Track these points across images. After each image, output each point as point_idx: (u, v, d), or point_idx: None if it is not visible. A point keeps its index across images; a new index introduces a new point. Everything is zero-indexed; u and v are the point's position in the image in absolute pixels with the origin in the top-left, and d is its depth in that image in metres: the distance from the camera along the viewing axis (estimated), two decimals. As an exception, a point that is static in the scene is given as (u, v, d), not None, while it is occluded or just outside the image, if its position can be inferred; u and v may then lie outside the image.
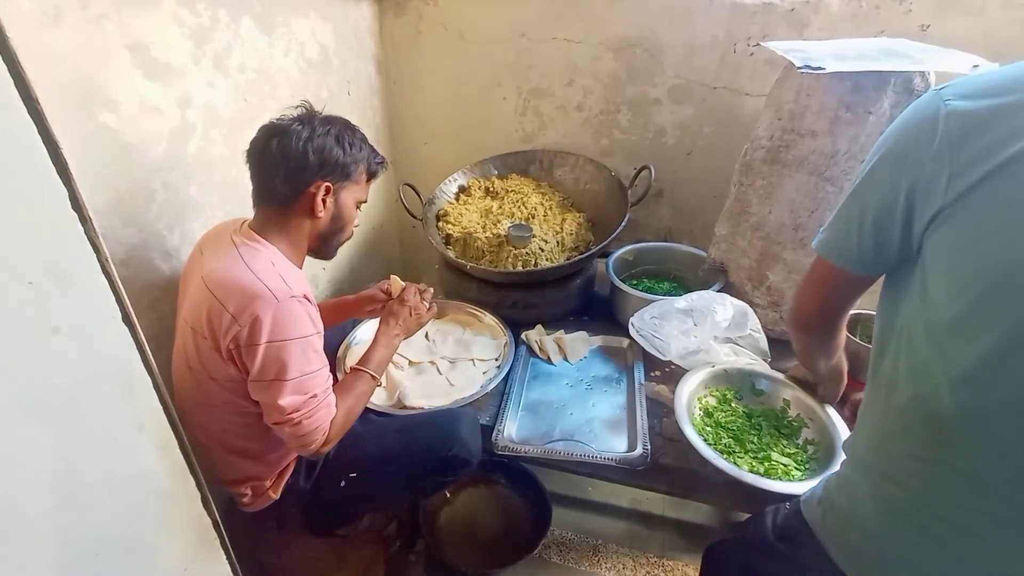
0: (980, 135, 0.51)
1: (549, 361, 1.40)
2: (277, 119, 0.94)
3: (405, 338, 1.15)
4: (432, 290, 1.24)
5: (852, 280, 0.68)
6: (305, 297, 0.89)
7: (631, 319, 1.30)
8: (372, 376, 1.04)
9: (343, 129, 0.96)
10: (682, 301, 1.28)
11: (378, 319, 1.41)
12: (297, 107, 0.96)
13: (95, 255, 0.56)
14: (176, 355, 0.96)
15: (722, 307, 1.24)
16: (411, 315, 1.16)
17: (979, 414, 0.51)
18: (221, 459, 0.99)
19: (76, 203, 0.53)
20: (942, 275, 0.54)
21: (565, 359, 1.40)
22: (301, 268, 0.98)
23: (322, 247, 1.02)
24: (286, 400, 0.85)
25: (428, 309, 1.20)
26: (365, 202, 1.04)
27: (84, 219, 0.54)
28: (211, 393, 0.91)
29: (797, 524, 0.71)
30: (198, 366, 0.89)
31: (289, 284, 0.86)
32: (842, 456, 0.73)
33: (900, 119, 0.60)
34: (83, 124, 0.86)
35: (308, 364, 0.87)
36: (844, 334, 0.88)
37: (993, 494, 0.52)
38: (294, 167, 0.90)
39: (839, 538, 0.65)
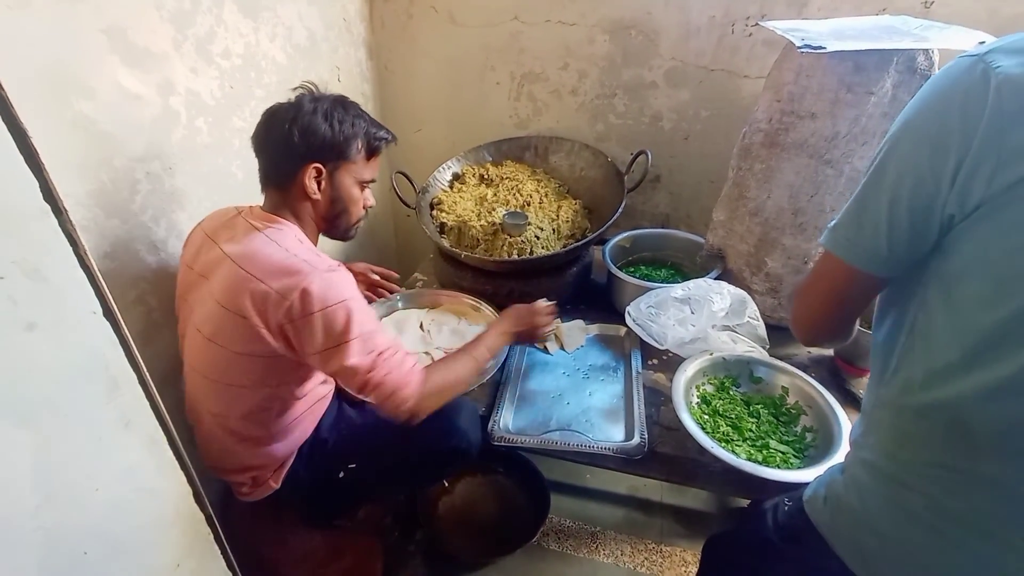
0: None
1: (545, 351, 1.39)
2: (275, 105, 0.92)
3: (511, 343, 1.15)
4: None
5: (875, 283, 0.59)
6: (340, 264, 0.89)
7: (627, 308, 1.28)
8: (474, 359, 1.03)
9: (333, 106, 0.92)
10: (679, 290, 1.26)
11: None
12: (297, 88, 0.94)
13: (72, 248, 0.54)
14: (191, 339, 0.94)
15: (719, 296, 1.22)
16: (531, 323, 1.16)
17: (1015, 426, 0.48)
18: (227, 449, 0.98)
19: (49, 194, 0.51)
20: (978, 278, 0.48)
21: (562, 348, 1.39)
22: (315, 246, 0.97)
23: (331, 229, 1.01)
24: (354, 360, 0.84)
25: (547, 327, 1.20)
26: (372, 181, 1.01)
27: (58, 210, 0.52)
28: (241, 371, 0.90)
29: (802, 525, 0.68)
30: (232, 344, 0.88)
31: (322, 258, 0.87)
32: (843, 446, 0.70)
33: (934, 90, 0.51)
34: (59, 112, 0.83)
35: (365, 323, 0.87)
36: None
37: (1020, 501, 0.50)
38: (281, 151, 0.89)
39: (851, 540, 0.62)
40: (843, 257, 0.58)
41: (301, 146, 0.89)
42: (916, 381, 0.55)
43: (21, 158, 0.48)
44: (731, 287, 1.25)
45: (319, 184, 0.92)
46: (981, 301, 0.48)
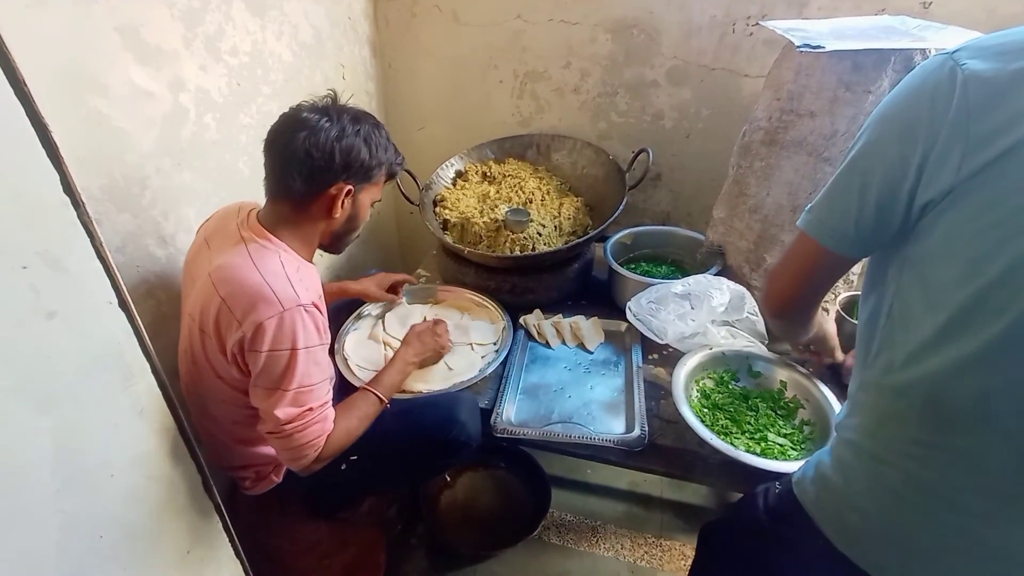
0: (1001, 104, 0.46)
1: (547, 345, 1.40)
2: (303, 111, 0.88)
3: (418, 367, 1.17)
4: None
5: (842, 263, 0.64)
6: (314, 305, 0.86)
7: (628, 304, 1.30)
8: (380, 399, 1.03)
9: (372, 129, 0.93)
10: (679, 285, 1.28)
11: (374, 304, 1.44)
12: (324, 97, 0.92)
13: (89, 240, 0.56)
14: (182, 349, 0.97)
15: (719, 291, 1.24)
16: (435, 346, 1.18)
17: (984, 397, 0.50)
18: (226, 447, 1.00)
19: (68, 187, 0.53)
20: (949, 259, 0.51)
21: (581, 347, 1.40)
22: (311, 261, 0.96)
23: (333, 244, 1.01)
24: (281, 411, 0.84)
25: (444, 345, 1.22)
26: (379, 201, 1.03)
27: (77, 203, 0.54)
28: (215, 389, 0.92)
29: (790, 506, 0.70)
30: (204, 363, 0.90)
31: (297, 291, 0.84)
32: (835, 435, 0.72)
33: (907, 85, 0.54)
34: (74, 109, 0.85)
35: (308, 376, 0.86)
36: (819, 310, 0.84)
37: (993, 474, 0.52)
38: (319, 166, 0.87)
39: (835, 519, 0.64)
40: (815, 237, 0.62)
41: (340, 166, 0.88)
42: (896, 362, 0.57)
43: (43, 152, 0.50)
44: (731, 283, 1.27)
45: (343, 203, 0.92)
46: (953, 281, 0.51)
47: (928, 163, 0.51)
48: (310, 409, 0.87)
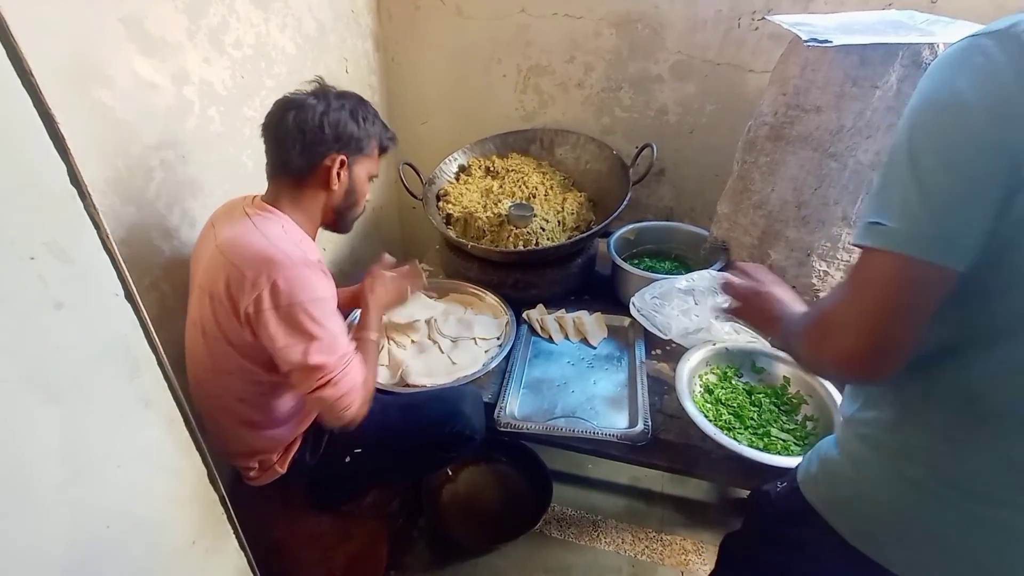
0: None
1: (550, 340, 1.41)
2: (292, 93, 0.94)
3: (388, 308, 1.17)
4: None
5: (951, 282, 0.50)
6: (319, 262, 0.90)
7: (632, 299, 1.30)
8: (373, 339, 1.05)
9: (357, 104, 0.98)
10: (683, 281, 1.27)
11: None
12: (311, 82, 0.97)
13: (95, 231, 0.55)
14: (190, 325, 0.97)
15: None
16: (399, 291, 1.19)
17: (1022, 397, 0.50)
18: (232, 432, 1.00)
19: (75, 178, 0.53)
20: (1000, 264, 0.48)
21: (585, 342, 1.40)
22: (314, 239, 0.98)
23: (338, 221, 1.03)
24: (317, 359, 0.85)
25: (414, 275, 1.23)
26: (377, 176, 1.06)
27: (83, 195, 0.54)
28: (226, 359, 0.92)
29: (799, 506, 0.67)
30: (215, 331, 0.90)
31: (303, 249, 0.88)
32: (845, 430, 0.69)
33: (962, 69, 0.48)
34: (78, 100, 0.84)
35: (331, 323, 0.88)
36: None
37: (1018, 464, 0.52)
38: (310, 140, 0.92)
39: (851, 515, 0.63)
40: (922, 254, 0.48)
41: (331, 137, 0.93)
42: (919, 358, 0.54)
43: (50, 143, 0.50)
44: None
45: (339, 175, 0.96)
46: (997, 287, 0.49)
47: None
48: (345, 354, 0.89)
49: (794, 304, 0.72)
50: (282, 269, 0.83)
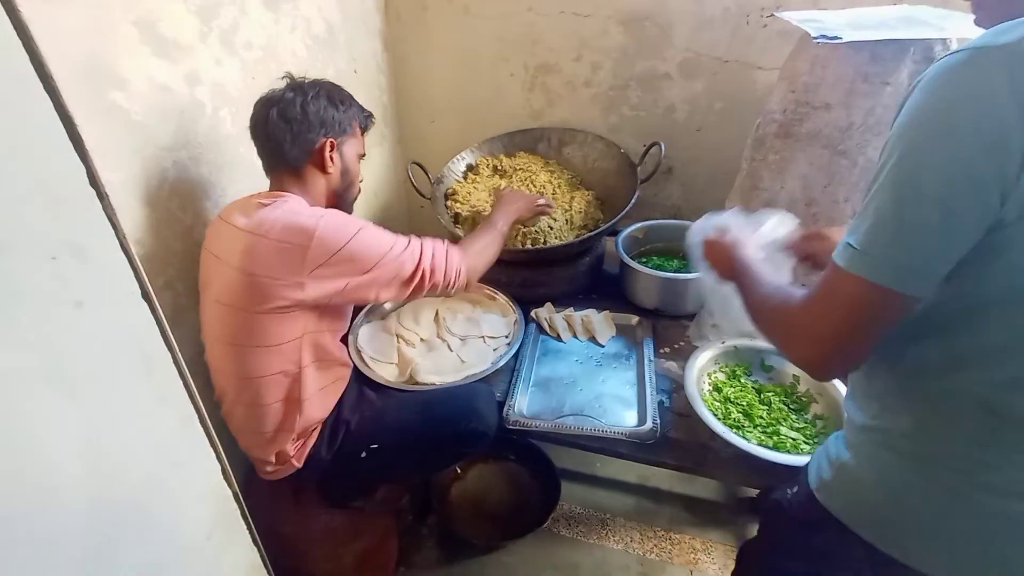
0: None
1: (559, 338, 1.41)
2: (267, 93, 1.00)
3: (520, 210, 1.31)
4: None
5: (912, 305, 0.52)
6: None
7: (689, 233, 1.14)
8: (494, 230, 1.19)
9: (332, 89, 1.04)
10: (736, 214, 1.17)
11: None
12: (282, 79, 1.02)
13: (113, 231, 0.57)
14: (212, 316, 0.97)
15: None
16: (533, 210, 1.35)
17: None
18: (254, 419, 1.00)
19: (93, 180, 0.54)
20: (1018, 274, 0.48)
21: (593, 340, 1.40)
22: None
23: (339, 204, 1.08)
24: (398, 261, 0.95)
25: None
26: (364, 155, 1.12)
27: (101, 195, 0.55)
28: (267, 331, 0.94)
29: (818, 514, 0.66)
30: (251, 307, 0.92)
31: (323, 208, 0.97)
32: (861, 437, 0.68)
33: (963, 87, 0.46)
34: (94, 102, 0.86)
35: (386, 237, 0.97)
36: None
37: None
38: (298, 129, 0.97)
39: (877, 520, 0.62)
40: (887, 283, 0.50)
41: (316, 123, 0.98)
42: (931, 365, 0.55)
43: (71, 145, 0.51)
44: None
45: (332, 157, 1.02)
46: (1019, 299, 0.49)
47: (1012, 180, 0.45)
48: (405, 247, 0.98)
49: (755, 267, 0.76)
50: (318, 222, 0.90)
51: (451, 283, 1.03)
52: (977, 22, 0.58)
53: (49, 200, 0.50)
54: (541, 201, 1.37)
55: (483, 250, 1.13)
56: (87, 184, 0.53)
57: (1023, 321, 0.50)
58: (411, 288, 0.99)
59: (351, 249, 0.92)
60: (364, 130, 1.11)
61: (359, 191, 1.13)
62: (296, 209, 0.94)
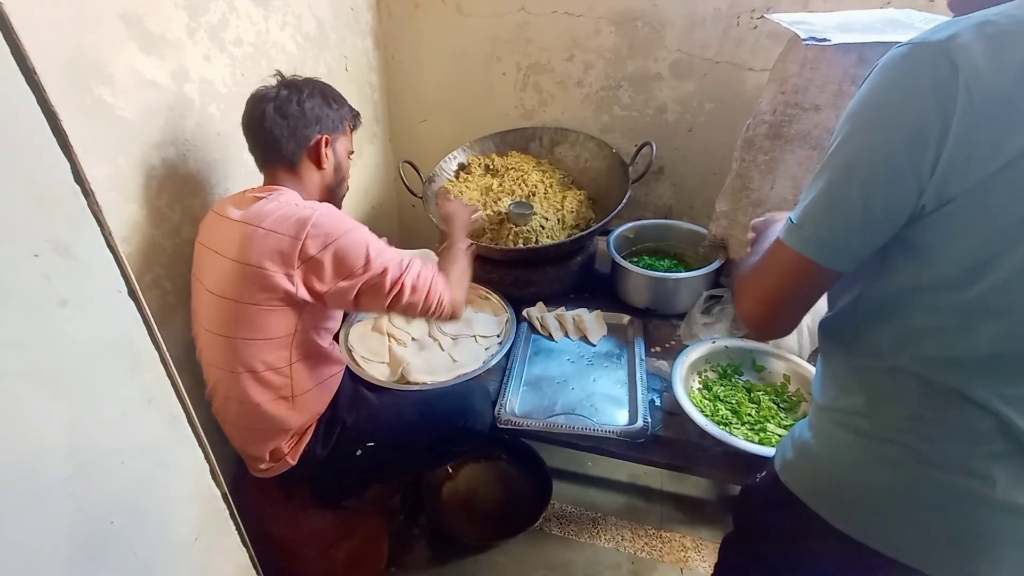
0: (1009, 108, 0.45)
1: (550, 338, 1.41)
2: (261, 92, 1.00)
3: (467, 224, 1.29)
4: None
5: (835, 278, 0.58)
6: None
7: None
8: (463, 249, 1.18)
9: (325, 88, 1.06)
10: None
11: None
12: (272, 76, 1.03)
13: (98, 229, 0.56)
14: (205, 308, 0.97)
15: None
16: (468, 211, 1.32)
17: (978, 383, 0.53)
18: (247, 414, 0.99)
19: (78, 176, 0.53)
20: (947, 261, 0.51)
21: (584, 340, 1.41)
22: None
23: (331, 199, 1.09)
24: (376, 269, 0.93)
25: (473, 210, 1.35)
26: (353, 152, 1.14)
27: (86, 192, 0.54)
28: (263, 323, 0.94)
29: (781, 495, 0.68)
30: (253, 298, 0.92)
31: (318, 202, 0.96)
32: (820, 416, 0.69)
33: (896, 80, 0.50)
34: (79, 98, 0.84)
35: (379, 242, 0.97)
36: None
37: (991, 441, 0.54)
38: (295, 125, 0.98)
39: (832, 497, 0.64)
40: (813, 257, 0.56)
41: (312, 120, 1.00)
42: (883, 345, 0.58)
43: (54, 140, 0.50)
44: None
45: (327, 153, 1.03)
46: (950, 282, 0.52)
47: (938, 169, 0.48)
48: (399, 260, 0.97)
49: (765, 239, 0.76)
50: (313, 215, 0.90)
51: (431, 308, 1.01)
52: (951, 6, 0.60)
53: (32, 196, 0.49)
54: (475, 215, 1.34)
55: (462, 279, 1.11)
56: (71, 180, 0.52)
57: (949, 305, 0.53)
58: (391, 297, 0.96)
59: (342, 245, 0.91)
60: (353, 129, 1.13)
61: (348, 187, 1.15)
62: (292, 201, 0.94)
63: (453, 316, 1.06)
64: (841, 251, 0.55)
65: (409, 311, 1.00)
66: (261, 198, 0.95)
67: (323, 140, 1.01)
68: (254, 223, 0.91)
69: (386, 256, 0.96)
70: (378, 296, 0.96)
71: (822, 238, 0.55)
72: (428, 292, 0.99)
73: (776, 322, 0.64)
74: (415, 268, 0.99)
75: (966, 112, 0.46)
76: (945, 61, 0.46)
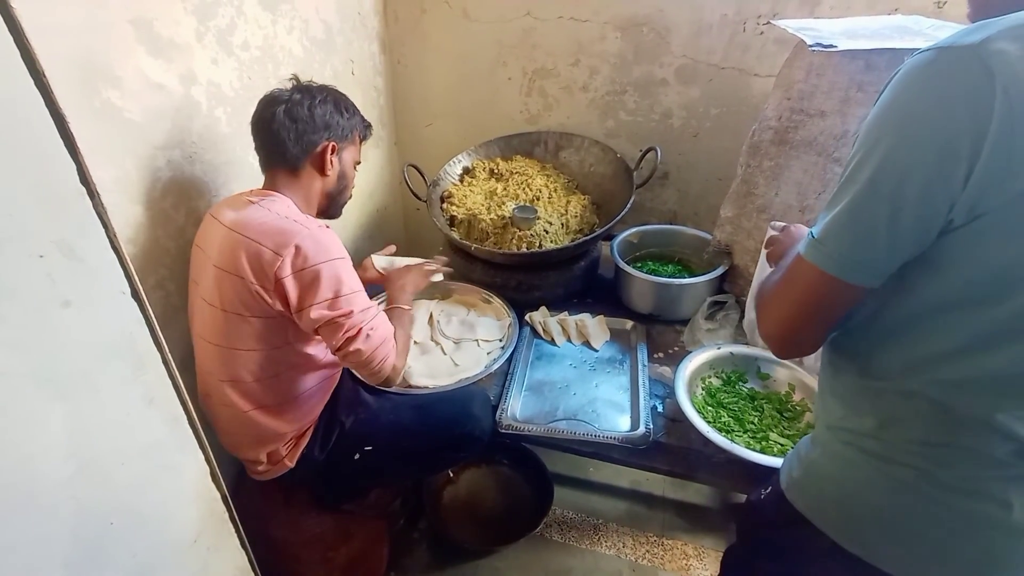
0: None
1: (553, 342, 1.41)
2: (275, 93, 1.00)
3: (416, 288, 1.23)
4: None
5: (861, 295, 0.55)
6: (329, 228, 0.96)
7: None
8: (406, 310, 1.14)
9: (338, 96, 1.05)
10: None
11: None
12: (289, 80, 1.02)
13: (103, 230, 0.56)
14: (200, 309, 0.97)
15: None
16: (423, 285, 1.25)
17: (996, 408, 0.52)
18: (246, 420, 1.00)
19: (84, 177, 0.53)
20: (970, 282, 0.49)
21: (587, 345, 1.40)
22: None
23: (330, 206, 1.10)
24: (342, 309, 0.91)
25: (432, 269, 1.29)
26: (360, 163, 1.13)
27: (92, 193, 0.54)
28: (246, 334, 0.94)
29: (787, 513, 0.68)
30: (236, 307, 0.92)
31: (311, 219, 0.95)
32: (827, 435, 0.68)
33: (925, 88, 0.47)
34: (87, 100, 0.85)
35: (355, 282, 0.95)
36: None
37: (1003, 465, 0.53)
38: (303, 129, 0.98)
39: (840, 517, 0.63)
40: (837, 274, 0.53)
41: (321, 126, 1.00)
42: (894, 367, 0.57)
43: (61, 142, 0.51)
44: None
45: (332, 161, 1.03)
46: (973, 301, 0.50)
47: (971, 181, 0.45)
48: (369, 308, 0.96)
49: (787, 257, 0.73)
50: (300, 234, 0.89)
51: (374, 364, 0.96)
52: (971, 18, 0.58)
53: (38, 197, 0.49)
54: (430, 266, 1.28)
55: (406, 346, 1.08)
56: (78, 182, 0.53)
57: (972, 326, 0.51)
58: (343, 339, 0.92)
59: (318, 273, 0.89)
60: (363, 140, 1.13)
61: (351, 196, 1.14)
62: (282, 212, 0.93)
63: (387, 382, 1.02)
64: (866, 267, 0.52)
65: (353, 358, 0.95)
66: (254, 202, 0.95)
67: (330, 147, 1.01)
68: (239, 231, 0.91)
69: (355, 298, 0.93)
70: (333, 334, 0.92)
71: (845, 254, 0.53)
72: (377, 349, 0.95)
73: (798, 341, 0.61)
74: (377, 322, 0.96)
75: (1005, 120, 0.42)
76: (978, 66, 0.43)
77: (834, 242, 0.53)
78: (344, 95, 1.07)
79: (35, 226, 0.49)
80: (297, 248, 0.88)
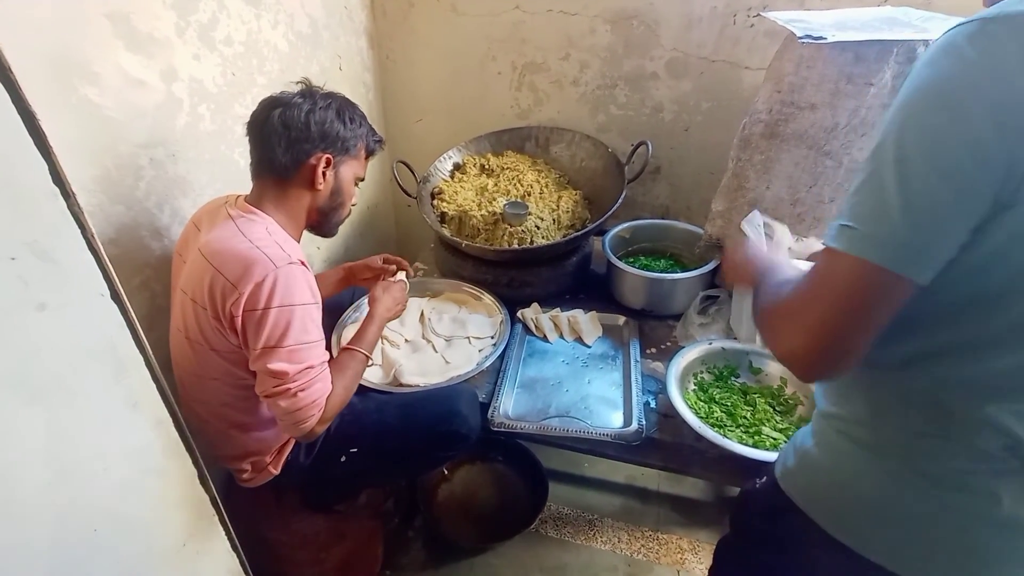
0: None
1: (545, 339, 1.40)
2: (279, 93, 0.95)
3: (394, 316, 1.16)
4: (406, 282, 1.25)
5: (908, 293, 0.48)
6: (302, 263, 0.89)
7: (743, 224, 1.09)
8: (366, 355, 1.03)
9: (344, 104, 0.98)
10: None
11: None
12: (298, 83, 0.97)
13: (80, 231, 0.55)
14: (174, 329, 0.96)
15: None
16: (401, 299, 1.17)
17: (990, 403, 0.51)
18: (221, 434, 0.99)
19: (57, 177, 0.52)
20: (1007, 270, 0.47)
21: (579, 341, 1.40)
22: (298, 242, 0.98)
23: (322, 222, 1.02)
24: (279, 366, 0.84)
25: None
26: (363, 179, 1.05)
27: (67, 193, 0.53)
28: (210, 365, 0.91)
29: (780, 502, 0.67)
30: (198, 337, 0.89)
31: (286, 250, 0.87)
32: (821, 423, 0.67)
33: (971, 61, 0.44)
34: (63, 98, 0.83)
35: (306, 333, 0.87)
36: None
37: (995, 458, 0.53)
38: (295, 137, 0.91)
39: (831, 507, 0.64)
40: (901, 270, 0.47)
41: (316, 135, 0.92)
42: (894, 359, 0.56)
43: (31, 140, 0.49)
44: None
45: (324, 175, 0.95)
46: (992, 299, 0.49)
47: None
48: (310, 367, 0.87)
49: (777, 272, 0.68)
50: (263, 271, 0.83)
51: (292, 423, 0.88)
52: (986, 3, 0.56)
53: (7, 198, 0.48)
54: (399, 294, 1.18)
55: (347, 391, 0.98)
56: (50, 181, 0.51)
57: (988, 321, 0.50)
58: (269, 391, 0.86)
59: (269, 317, 0.83)
60: (370, 154, 1.04)
61: (349, 213, 1.06)
62: (257, 239, 0.86)
63: (304, 438, 0.94)
64: (924, 255, 0.46)
65: (274, 409, 0.89)
66: (232, 218, 0.90)
67: (323, 160, 0.93)
68: (207, 256, 0.86)
69: (297, 352, 0.85)
70: (263, 383, 0.87)
71: (904, 241, 0.46)
72: (300, 410, 0.87)
73: (832, 356, 0.51)
74: (313, 380, 0.88)
75: None
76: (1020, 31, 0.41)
77: (887, 228, 0.47)
78: (352, 104, 1.00)
79: (5, 227, 0.48)
80: (257, 286, 0.82)
